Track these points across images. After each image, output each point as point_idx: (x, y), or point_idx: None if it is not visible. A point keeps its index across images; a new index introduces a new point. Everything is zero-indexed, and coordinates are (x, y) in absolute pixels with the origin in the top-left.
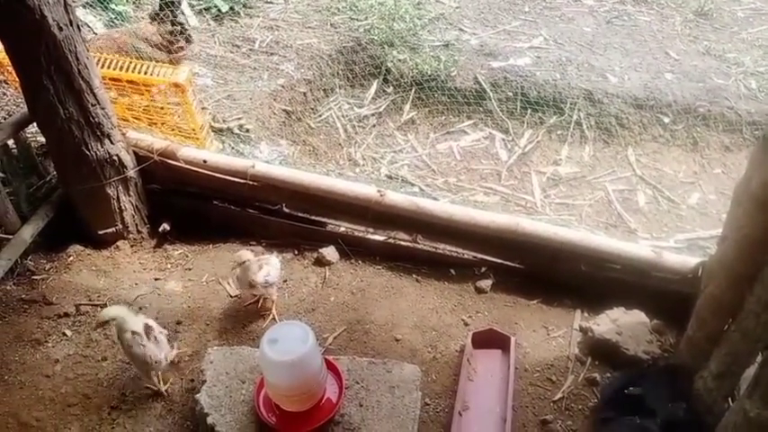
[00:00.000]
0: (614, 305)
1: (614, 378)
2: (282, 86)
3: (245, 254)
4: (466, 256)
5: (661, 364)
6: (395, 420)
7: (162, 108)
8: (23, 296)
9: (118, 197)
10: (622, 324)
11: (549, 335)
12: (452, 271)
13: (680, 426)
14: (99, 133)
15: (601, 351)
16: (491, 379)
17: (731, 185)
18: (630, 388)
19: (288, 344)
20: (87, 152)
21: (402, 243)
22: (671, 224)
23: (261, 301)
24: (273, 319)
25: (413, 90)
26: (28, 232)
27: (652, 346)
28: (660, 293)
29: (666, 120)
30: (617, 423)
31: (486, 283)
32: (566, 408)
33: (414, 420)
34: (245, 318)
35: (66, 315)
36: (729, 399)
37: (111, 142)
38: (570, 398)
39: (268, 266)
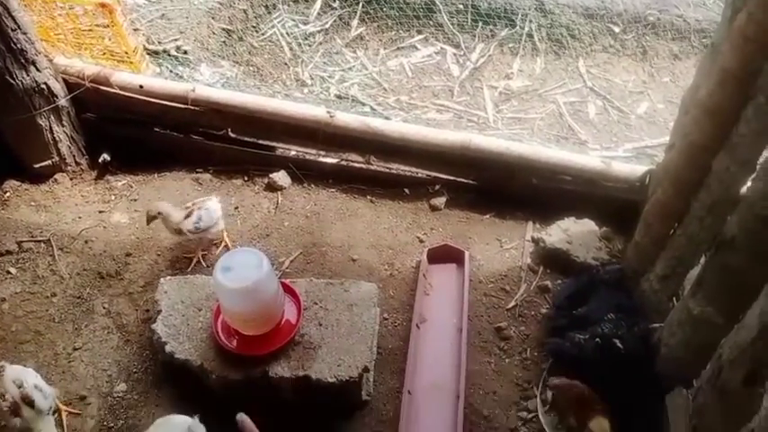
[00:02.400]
0: (565, 216)
1: (565, 285)
2: (221, 3)
3: (161, 205)
4: (420, 175)
5: (608, 269)
6: (354, 336)
7: (90, 30)
8: None
9: (51, 128)
10: (573, 233)
11: (503, 247)
12: (406, 190)
13: (617, 339)
14: (23, 60)
15: (552, 260)
16: (447, 292)
17: (679, 94)
18: (579, 309)
19: (242, 271)
20: (12, 81)
21: (355, 164)
22: (620, 134)
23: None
24: (226, 246)
25: (360, 4)
26: None
27: (601, 252)
28: (609, 202)
29: (617, 29)
30: (561, 338)
31: (440, 201)
32: (519, 315)
33: (373, 335)
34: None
35: (9, 253)
36: (674, 298)
37: (38, 69)
38: (523, 305)
39: (199, 211)
